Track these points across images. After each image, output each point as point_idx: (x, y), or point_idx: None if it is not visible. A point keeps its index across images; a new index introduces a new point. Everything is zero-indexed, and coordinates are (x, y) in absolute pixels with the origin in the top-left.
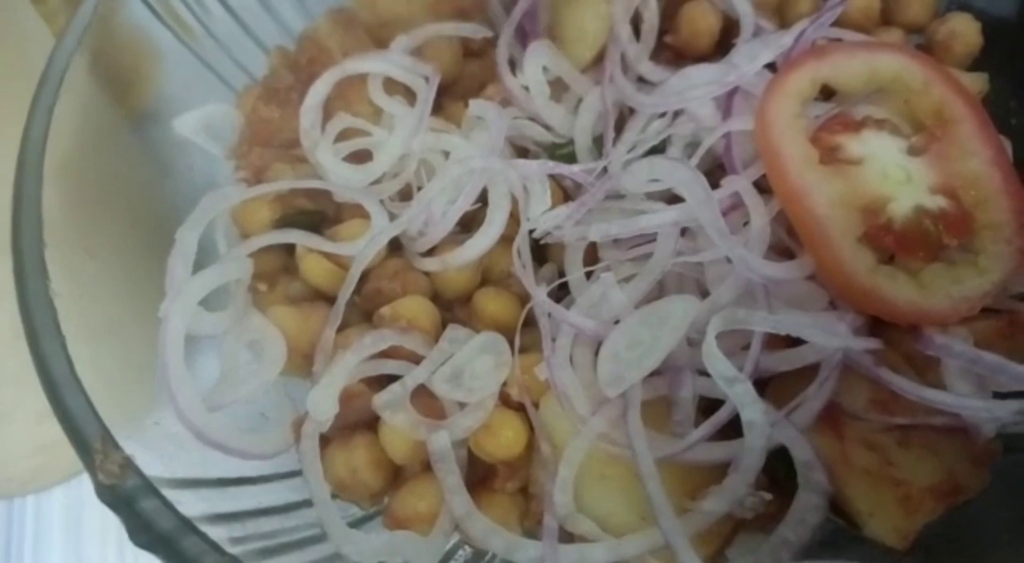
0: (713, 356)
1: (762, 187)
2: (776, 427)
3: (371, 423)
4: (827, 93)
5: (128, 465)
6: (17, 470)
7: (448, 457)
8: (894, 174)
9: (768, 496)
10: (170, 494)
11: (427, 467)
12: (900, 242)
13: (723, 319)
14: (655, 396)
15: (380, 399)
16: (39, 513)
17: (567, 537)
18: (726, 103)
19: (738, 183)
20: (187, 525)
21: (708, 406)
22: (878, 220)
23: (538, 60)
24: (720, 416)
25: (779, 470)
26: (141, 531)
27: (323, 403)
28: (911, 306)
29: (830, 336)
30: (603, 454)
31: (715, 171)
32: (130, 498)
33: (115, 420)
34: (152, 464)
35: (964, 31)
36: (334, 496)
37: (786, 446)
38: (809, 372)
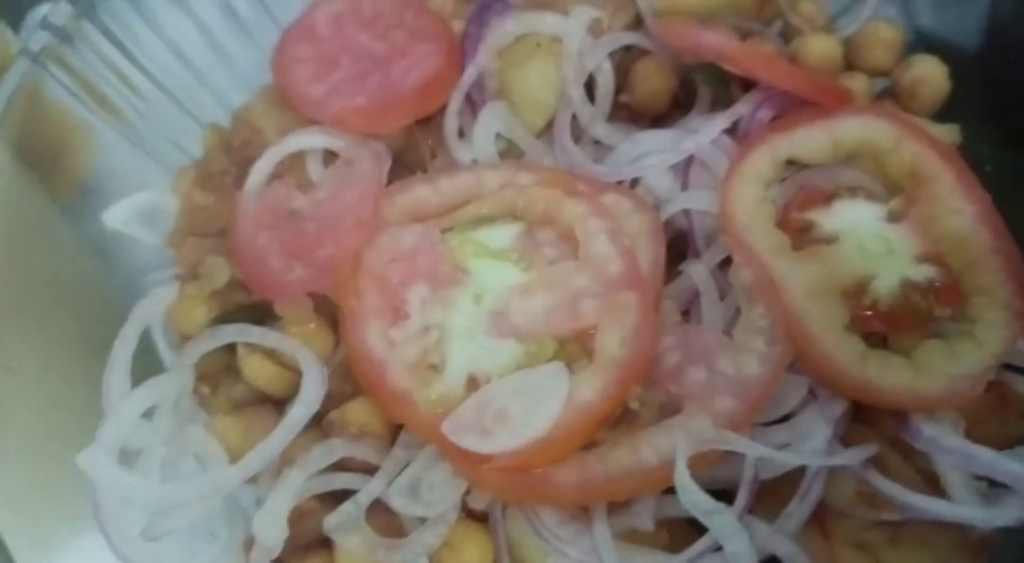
0: (686, 488)
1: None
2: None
3: (326, 539)
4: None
5: None
6: None
7: None
8: (874, 247)
9: None
10: None
11: None
12: (889, 322)
13: (692, 441)
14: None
15: (331, 522)
16: None
17: None
18: (684, 174)
19: (697, 271)
20: None
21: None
22: (862, 301)
23: (492, 124)
24: (701, 545)
25: None
26: None
27: (271, 528)
28: (908, 393)
29: (813, 453)
30: None
31: (677, 240)
32: None
33: None
34: None
35: (931, 75)
36: None
37: None
38: (795, 474)
